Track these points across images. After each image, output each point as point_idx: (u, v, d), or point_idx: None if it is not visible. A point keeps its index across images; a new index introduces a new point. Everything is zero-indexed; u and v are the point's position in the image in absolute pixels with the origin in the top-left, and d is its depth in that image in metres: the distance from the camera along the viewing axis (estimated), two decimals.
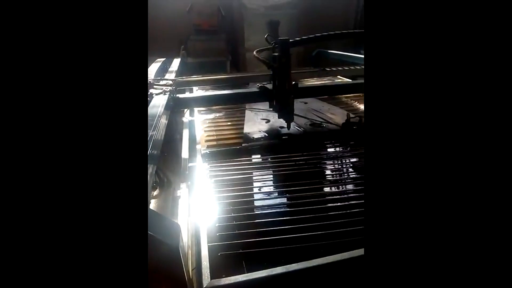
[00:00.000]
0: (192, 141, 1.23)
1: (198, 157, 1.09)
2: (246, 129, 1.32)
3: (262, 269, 0.56)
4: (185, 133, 1.31)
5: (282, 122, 1.38)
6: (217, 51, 3.53)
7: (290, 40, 1.14)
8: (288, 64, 1.12)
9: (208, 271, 0.57)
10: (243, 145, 1.16)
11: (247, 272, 0.57)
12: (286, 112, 1.18)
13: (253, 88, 1.39)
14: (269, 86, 1.23)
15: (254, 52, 1.31)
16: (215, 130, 1.34)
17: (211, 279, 0.56)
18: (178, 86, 1.39)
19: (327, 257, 0.59)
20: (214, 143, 1.22)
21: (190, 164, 1.02)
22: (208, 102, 1.43)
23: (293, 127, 1.33)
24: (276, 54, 1.15)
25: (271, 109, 1.26)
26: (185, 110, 1.54)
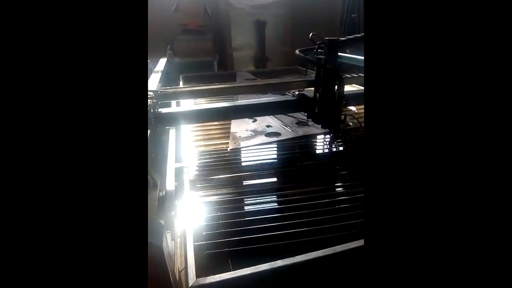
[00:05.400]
0: (179, 142, 1.23)
1: (185, 159, 1.10)
2: (233, 129, 1.33)
3: (248, 267, 0.57)
4: (172, 133, 1.30)
5: (268, 122, 1.40)
6: (204, 51, 3.51)
7: (340, 39, 1.02)
8: (337, 67, 1.00)
9: (194, 270, 0.58)
10: (229, 149, 1.17)
11: (233, 270, 0.58)
12: (333, 122, 1.03)
13: (285, 96, 1.21)
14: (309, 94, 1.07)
15: (297, 51, 1.13)
16: (202, 130, 1.34)
17: (196, 277, 0.56)
18: (161, 99, 1.11)
19: (310, 253, 0.60)
20: (201, 143, 1.23)
21: (177, 165, 1.03)
22: (211, 117, 1.07)
23: (280, 126, 1.34)
24: (321, 56, 1.00)
25: (309, 118, 1.11)
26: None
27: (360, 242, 0.63)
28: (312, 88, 1.05)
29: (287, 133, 1.28)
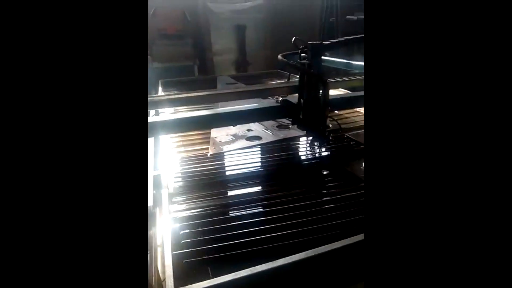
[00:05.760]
0: (157, 148, 1.20)
1: (163, 166, 1.07)
2: (213, 134, 1.31)
3: (227, 273, 0.56)
4: (150, 139, 1.27)
5: (249, 125, 1.39)
6: (183, 56, 3.49)
7: (324, 43, 0.99)
8: (321, 71, 0.97)
9: (172, 279, 0.56)
10: (209, 154, 1.15)
11: (212, 277, 0.56)
12: (318, 128, 0.99)
13: (269, 102, 1.15)
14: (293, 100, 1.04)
15: (279, 56, 1.08)
16: (181, 136, 1.32)
17: (175, 287, 0.54)
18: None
19: (291, 256, 0.59)
20: (181, 149, 1.20)
21: (155, 173, 1.00)
22: (192, 126, 1.03)
23: (261, 130, 1.34)
24: (304, 60, 0.97)
25: (294, 125, 1.08)
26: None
27: (342, 243, 0.63)
28: (296, 94, 1.02)
29: (268, 137, 1.28)
